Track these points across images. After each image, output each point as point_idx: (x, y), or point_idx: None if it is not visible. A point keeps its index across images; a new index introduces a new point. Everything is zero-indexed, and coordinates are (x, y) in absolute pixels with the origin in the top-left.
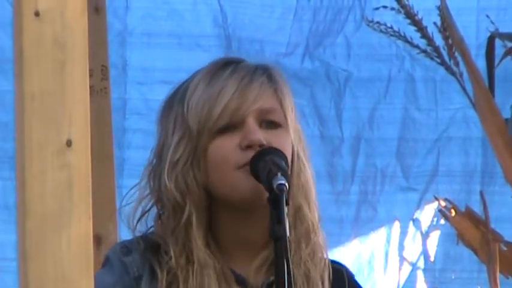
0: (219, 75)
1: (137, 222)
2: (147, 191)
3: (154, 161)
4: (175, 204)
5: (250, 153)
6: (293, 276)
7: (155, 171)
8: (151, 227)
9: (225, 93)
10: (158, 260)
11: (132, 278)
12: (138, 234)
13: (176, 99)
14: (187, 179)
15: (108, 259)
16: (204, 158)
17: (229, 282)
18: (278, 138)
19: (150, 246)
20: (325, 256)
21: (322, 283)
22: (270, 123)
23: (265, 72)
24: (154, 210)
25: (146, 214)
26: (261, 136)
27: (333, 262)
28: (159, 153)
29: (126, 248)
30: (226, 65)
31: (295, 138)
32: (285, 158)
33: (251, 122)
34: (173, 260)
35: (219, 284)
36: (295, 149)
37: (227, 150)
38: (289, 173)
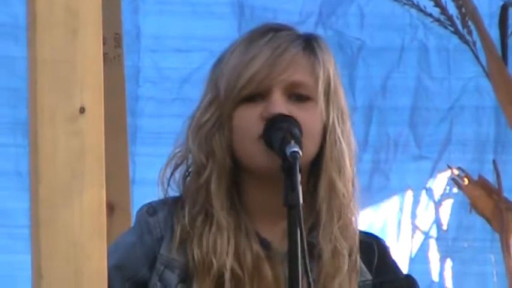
0: (256, 43)
1: (169, 178)
2: (180, 149)
3: (189, 121)
4: (198, 164)
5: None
6: (319, 247)
7: (186, 131)
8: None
9: (255, 62)
10: (177, 217)
11: (155, 238)
12: (170, 194)
13: (217, 64)
14: (212, 141)
15: (135, 220)
16: (229, 124)
17: (251, 241)
18: (304, 112)
19: (175, 203)
20: (356, 230)
21: (350, 255)
22: (299, 96)
23: (303, 43)
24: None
25: (176, 171)
26: (284, 108)
27: (366, 234)
28: (193, 114)
29: (152, 208)
30: (265, 33)
31: (331, 109)
32: (299, 126)
33: (276, 93)
34: (187, 217)
35: (238, 242)
36: (329, 121)
37: (249, 119)
38: (309, 145)
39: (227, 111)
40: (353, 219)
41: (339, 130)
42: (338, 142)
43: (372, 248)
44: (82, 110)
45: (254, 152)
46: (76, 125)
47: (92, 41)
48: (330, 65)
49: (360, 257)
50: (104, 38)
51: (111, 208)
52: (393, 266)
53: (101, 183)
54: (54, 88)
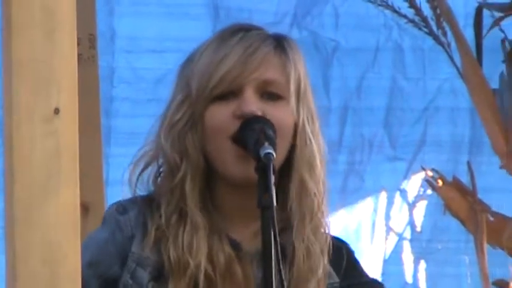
0: (227, 42)
1: (138, 176)
2: (150, 147)
3: (160, 120)
4: (172, 163)
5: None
6: (292, 248)
7: (158, 130)
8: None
9: (227, 60)
10: (152, 216)
11: (126, 237)
12: (139, 193)
13: (186, 63)
14: (185, 140)
15: (104, 218)
16: (201, 123)
17: (223, 243)
18: (276, 110)
19: (146, 202)
20: (327, 231)
21: (322, 257)
22: (271, 95)
23: (274, 42)
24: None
25: (146, 171)
26: (256, 107)
27: (334, 238)
28: (164, 113)
29: (122, 206)
30: (236, 32)
31: (302, 110)
32: (273, 127)
33: (249, 92)
34: (163, 217)
35: (211, 244)
36: (300, 120)
37: (221, 117)
38: (288, 144)
39: (199, 110)
40: (324, 221)
41: (309, 130)
42: (308, 142)
43: (341, 252)
44: (57, 111)
45: (226, 154)
46: (51, 125)
47: (67, 41)
48: (300, 65)
49: (328, 260)
50: (78, 39)
51: (85, 208)
52: (360, 270)
53: (76, 184)
54: (29, 88)
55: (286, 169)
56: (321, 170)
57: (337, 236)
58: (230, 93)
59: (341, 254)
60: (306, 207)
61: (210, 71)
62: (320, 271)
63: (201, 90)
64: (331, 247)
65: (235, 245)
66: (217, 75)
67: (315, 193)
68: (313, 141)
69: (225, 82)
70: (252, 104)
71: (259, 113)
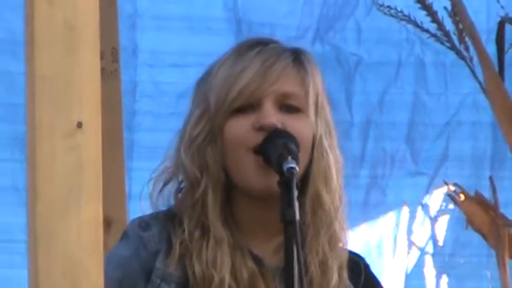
0: (245, 55)
1: (159, 192)
2: (170, 163)
3: (179, 135)
4: (192, 178)
5: (263, 135)
6: (305, 262)
7: (177, 145)
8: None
9: (245, 74)
10: (175, 232)
11: (150, 253)
12: (160, 208)
13: (205, 77)
14: (205, 155)
15: (125, 234)
16: (221, 137)
17: (246, 258)
18: (296, 122)
19: (170, 219)
20: (345, 245)
21: (340, 273)
22: (289, 107)
23: (292, 55)
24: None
25: (167, 187)
26: (276, 119)
27: (349, 252)
28: (183, 128)
29: (144, 222)
30: (253, 46)
31: (320, 124)
32: (296, 141)
33: (268, 104)
34: (186, 232)
35: (234, 259)
36: (318, 133)
37: (241, 129)
38: (306, 157)
39: (218, 124)
40: (342, 234)
41: (326, 143)
42: (325, 155)
43: (359, 266)
44: (80, 125)
45: (246, 166)
46: (74, 140)
47: (90, 56)
48: (318, 79)
49: (348, 275)
50: (101, 53)
51: (108, 223)
52: (379, 285)
53: (98, 198)
54: (52, 103)
55: (303, 183)
56: (337, 183)
57: (352, 250)
58: (249, 106)
59: (359, 269)
60: (320, 221)
61: (228, 84)
62: (334, 283)
63: (219, 104)
64: (348, 261)
65: (258, 261)
66: (235, 88)
67: (329, 207)
68: (330, 154)
69: (244, 95)
70: (272, 116)
71: (279, 125)
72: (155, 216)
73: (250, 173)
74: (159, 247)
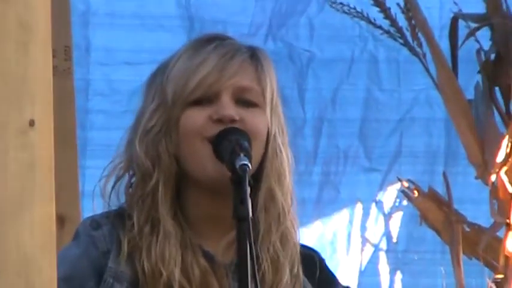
0: (202, 49)
1: (111, 189)
2: (121, 159)
3: (131, 129)
4: (144, 171)
5: (220, 127)
6: (257, 258)
7: (129, 138)
8: (123, 202)
9: (204, 66)
10: (123, 229)
11: (101, 252)
12: (112, 207)
13: (159, 72)
14: (158, 147)
15: (77, 233)
16: (176, 128)
17: (197, 255)
18: (252, 116)
19: (118, 216)
20: (296, 241)
21: (292, 268)
22: (246, 102)
23: (249, 51)
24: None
25: (118, 183)
26: (234, 111)
27: (304, 247)
28: (136, 121)
29: (95, 222)
30: (211, 40)
31: (274, 121)
32: (249, 139)
33: (225, 97)
34: (136, 227)
35: (185, 256)
36: (272, 131)
37: (197, 119)
38: (260, 152)
39: (175, 115)
40: (293, 231)
41: (279, 140)
42: (279, 152)
43: (314, 261)
44: (32, 123)
45: (201, 155)
46: (26, 138)
47: (42, 53)
48: (273, 77)
49: (302, 270)
50: (53, 51)
51: (61, 221)
52: (334, 278)
53: (51, 196)
54: (3, 101)
55: (255, 179)
56: (289, 181)
57: (306, 245)
58: (206, 99)
59: (313, 263)
60: (272, 217)
61: (186, 76)
62: (285, 280)
63: (177, 95)
64: (301, 257)
65: (209, 258)
66: (194, 80)
67: (282, 203)
68: (283, 152)
69: (202, 87)
70: (230, 109)
71: (237, 118)
72: (106, 215)
73: (205, 161)
74: (110, 246)
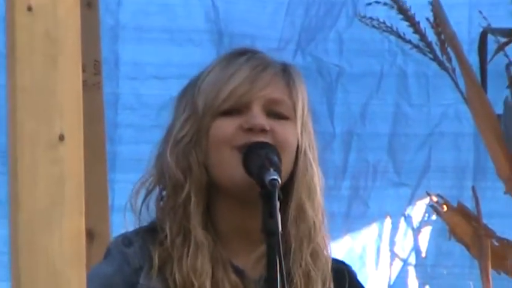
0: (234, 61)
1: (142, 203)
2: (151, 173)
3: (161, 142)
4: (175, 182)
5: (250, 136)
6: (289, 274)
7: (160, 151)
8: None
9: (235, 77)
10: (157, 240)
11: (133, 269)
12: (143, 221)
13: (191, 84)
14: (189, 157)
15: (109, 251)
16: (206, 138)
17: (227, 271)
18: (283, 128)
19: (149, 231)
20: (328, 257)
21: (323, 283)
22: (277, 114)
23: (281, 66)
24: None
25: (148, 197)
26: (265, 122)
27: (334, 261)
28: (166, 134)
29: (127, 239)
30: (243, 53)
31: (305, 136)
32: (278, 154)
33: (256, 108)
34: (168, 238)
35: (215, 268)
36: (303, 145)
37: (227, 129)
38: (290, 167)
39: (205, 125)
40: (324, 247)
41: (310, 156)
42: (309, 167)
43: (343, 275)
44: (62, 138)
45: (231, 163)
46: (56, 152)
47: (71, 68)
48: (304, 92)
49: (333, 285)
50: (83, 65)
51: (90, 235)
52: None
53: (81, 211)
54: (33, 115)
55: (285, 192)
56: (320, 197)
57: (337, 258)
58: (236, 110)
59: (343, 277)
60: (303, 233)
61: (218, 87)
62: None
63: (208, 106)
64: (331, 272)
65: (239, 272)
66: (225, 90)
67: (313, 218)
68: (313, 167)
69: (233, 97)
70: (261, 119)
71: (268, 128)
72: (136, 232)
73: (233, 170)
74: (142, 263)
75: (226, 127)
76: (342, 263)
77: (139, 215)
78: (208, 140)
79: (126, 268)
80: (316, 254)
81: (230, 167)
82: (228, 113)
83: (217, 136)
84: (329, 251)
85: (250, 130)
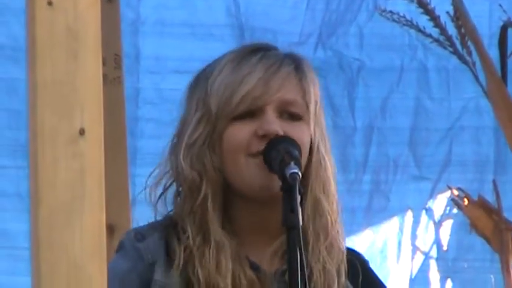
0: (247, 61)
1: (158, 198)
2: (168, 168)
3: (175, 139)
4: (191, 184)
5: (265, 143)
6: (308, 267)
7: (174, 149)
8: (170, 210)
9: (248, 80)
10: (177, 237)
11: (147, 264)
12: (158, 213)
13: (202, 79)
14: (204, 160)
15: (122, 245)
16: (220, 142)
17: (243, 266)
18: (297, 130)
19: (168, 226)
20: (342, 249)
21: (339, 276)
22: (290, 115)
23: (293, 63)
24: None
25: (166, 192)
26: (279, 127)
27: (347, 249)
28: (179, 131)
29: (140, 234)
30: (255, 51)
31: (317, 132)
32: (298, 147)
33: (270, 112)
34: (190, 238)
35: (234, 266)
36: (316, 142)
37: (242, 135)
38: (304, 164)
39: (219, 129)
40: (338, 238)
41: (323, 149)
42: (323, 161)
43: (355, 265)
44: (82, 132)
45: (246, 171)
46: (76, 146)
47: (92, 62)
48: (317, 86)
49: (346, 275)
50: (103, 59)
51: (111, 230)
52: (378, 281)
53: (101, 205)
54: (54, 110)
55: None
56: (334, 188)
57: (349, 247)
58: (249, 113)
59: (356, 267)
60: (320, 227)
61: (230, 89)
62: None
63: (221, 109)
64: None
65: (255, 267)
66: (239, 94)
67: (328, 212)
68: (326, 160)
69: (247, 101)
70: (275, 123)
71: (282, 133)
72: (151, 226)
73: (252, 178)
74: (156, 258)
75: (240, 134)
76: (354, 252)
77: (155, 208)
78: (222, 145)
79: (139, 264)
80: (331, 247)
81: (248, 175)
82: (242, 116)
83: (232, 143)
84: (344, 244)
85: (265, 136)
